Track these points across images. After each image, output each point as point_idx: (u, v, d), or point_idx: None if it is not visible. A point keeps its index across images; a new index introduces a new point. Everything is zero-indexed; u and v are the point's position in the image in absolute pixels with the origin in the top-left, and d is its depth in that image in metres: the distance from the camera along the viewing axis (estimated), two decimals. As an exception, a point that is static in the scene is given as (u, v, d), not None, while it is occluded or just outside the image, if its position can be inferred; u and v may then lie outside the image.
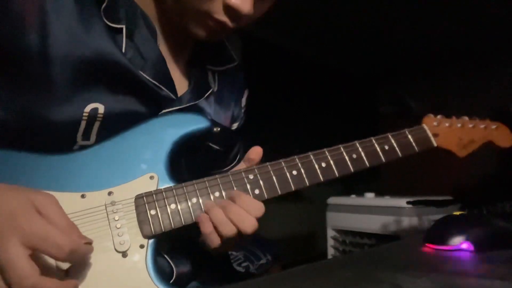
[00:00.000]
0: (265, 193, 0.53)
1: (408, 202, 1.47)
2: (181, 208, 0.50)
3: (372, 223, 1.57)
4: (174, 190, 0.51)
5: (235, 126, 0.73)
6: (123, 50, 0.52)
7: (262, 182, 0.53)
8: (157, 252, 0.50)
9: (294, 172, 0.55)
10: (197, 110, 0.62)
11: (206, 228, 0.49)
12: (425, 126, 0.66)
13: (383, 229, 1.52)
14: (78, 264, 0.44)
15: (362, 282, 0.43)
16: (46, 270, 0.40)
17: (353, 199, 1.73)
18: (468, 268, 0.50)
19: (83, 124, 0.50)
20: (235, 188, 0.52)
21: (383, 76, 3.47)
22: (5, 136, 0.48)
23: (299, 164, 0.55)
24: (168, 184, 0.52)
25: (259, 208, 0.50)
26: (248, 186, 0.53)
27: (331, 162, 0.57)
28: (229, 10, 0.52)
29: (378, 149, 0.60)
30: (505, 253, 0.54)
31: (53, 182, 0.48)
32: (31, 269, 0.38)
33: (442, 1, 2.14)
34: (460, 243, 0.57)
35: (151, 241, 0.49)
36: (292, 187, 0.54)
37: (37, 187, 0.45)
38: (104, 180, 0.50)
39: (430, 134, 0.66)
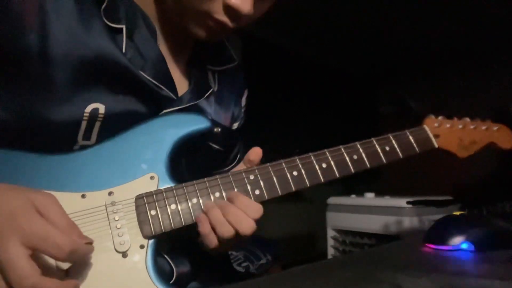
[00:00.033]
0: (265, 194, 0.53)
1: (408, 202, 1.47)
2: (181, 209, 0.50)
3: (372, 223, 1.57)
4: (174, 191, 0.51)
5: (235, 126, 0.73)
6: (123, 50, 0.52)
7: (263, 183, 0.53)
8: (157, 253, 0.50)
9: (295, 173, 0.55)
10: (198, 110, 0.62)
11: (204, 228, 0.49)
12: (426, 127, 0.66)
13: (383, 229, 1.52)
14: (78, 264, 0.44)
15: (362, 282, 0.43)
16: (46, 270, 0.40)
17: (353, 199, 1.73)
18: (468, 268, 0.50)
19: (83, 124, 0.50)
20: (235, 189, 0.52)
21: (383, 76, 3.47)
22: (6, 136, 0.48)
23: (300, 165, 0.55)
24: (168, 184, 0.52)
25: (258, 210, 0.50)
26: (249, 187, 0.53)
27: (332, 163, 0.56)
28: (229, 10, 0.52)
29: (379, 150, 0.60)
30: (505, 253, 0.54)
31: (53, 182, 0.48)
32: (31, 269, 0.38)
33: (442, 1, 2.14)
34: (460, 243, 0.57)
35: (151, 241, 0.49)
36: (293, 187, 0.54)
37: (37, 187, 0.45)
38: (105, 180, 0.50)
39: (431, 135, 0.65)
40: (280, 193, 0.54)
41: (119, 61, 0.51)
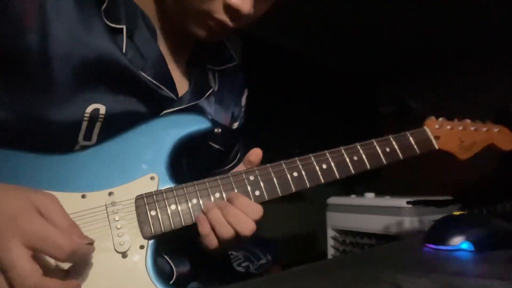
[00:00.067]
0: (265, 195, 0.53)
1: (408, 202, 1.47)
2: (181, 209, 0.50)
3: (372, 223, 1.57)
4: (174, 191, 0.51)
5: (235, 125, 0.73)
6: (124, 51, 0.52)
7: (263, 184, 0.53)
8: (157, 253, 0.50)
9: (295, 174, 0.55)
10: (198, 110, 0.62)
11: (204, 229, 0.49)
12: (426, 128, 0.66)
13: (383, 229, 1.52)
14: (79, 264, 0.44)
15: (362, 282, 0.43)
16: (47, 270, 0.40)
17: (353, 199, 1.73)
18: (468, 268, 0.50)
19: (84, 125, 0.50)
20: (235, 189, 0.52)
21: (383, 76, 3.48)
22: (6, 136, 0.48)
23: (300, 166, 0.55)
24: (168, 184, 0.52)
25: (258, 211, 0.50)
26: (249, 188, 0.53)
27: (332, 164, 0.56)
28: (229, 9, 0.52)
29: (379, 151, 0.60)
30: (505, 253, 0.54)
31: (53, 182, 0.48)
32: (32, 270, 0.38)
33: (442, 1, 2.14)
34: (460, 243, 0.57)
35: (151, 241, 0.49)
36: (293, 188, 0.54)
37: (37, 187, 0.45)
38: (105, 180, 0.50)
39: (431, 137, 0.65)
40: (280, 194, 0.54)
41: (119, 62, 0.51)
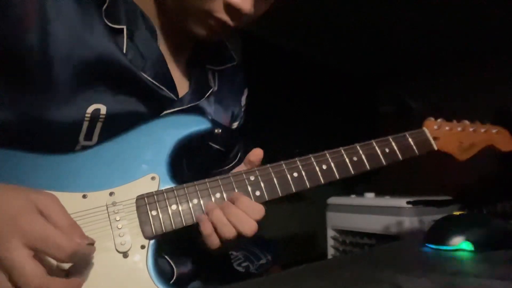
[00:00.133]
0: (266, 195, 0.53)
1: (408, 202, 1.47)
2: (182, 209, 0.50)
3: (372, 223, 1.57)
4: (175, 191, 0.51)
5: (235, 125, 0.73)
6: (124, 51, 0.53)
7: (263, 184, 0.53)
8: (158, 253, 0.50)
9: (295, 174, 0.55)
10: (198, 110, 0.62)
11: (206, 229, 0.49)
12: (425, 129, 0.66)
13: (383, 229, 1.52)
14: (80, 264, 0.44)
15: (362, 282, 0.43)
16: (48, 270, 0.40)
17: (353, 199, 1.73)
18: (468, 268, 0.50)
19: (85, 125, 0.50)
20: (236, 190, 0.52)
21: (383, 76, 3.48)
22: (6, 136, 0.48)
23: (300, 166, 0.55)
24: (169, 184, 0.52)
25: (259, 211, 0.50)
26: (249, 188, 0.53)
27: (332, 164, 0.57)
28: (230, 9, 0.53)
29: (378, 151, 0.60)
30: (505, 253, 0.54)
31: (54, 182, 0.48)
32: (37, 270, 0.38)
33: (442, 1, 2.14)
34: (460, 243, 0.57)
35: (152, 241, 0.49)
36: (293, 188, 0.54)
37: (38, 187, 0.45)
38: (106, 180, 0.50)
39: (430, 137, 0.66)
40: (280, 194, 0.54)
41: (120, 62, 0.51)
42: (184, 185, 0.52)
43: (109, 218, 0.48)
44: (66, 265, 0.43)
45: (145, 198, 0.50)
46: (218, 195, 0.52)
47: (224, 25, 0.55)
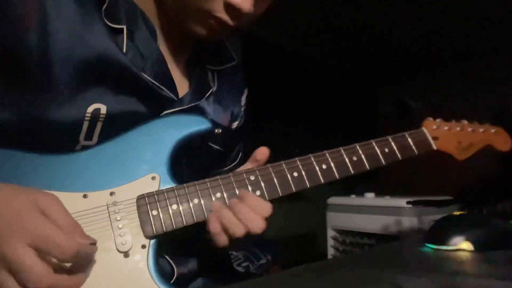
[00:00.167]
0: (266, 195, 0.53)
1: (408, 202, 1.47)
2: (182, 209, 0.50)
3: (372, 223, 1.57)
4: (175, 191, 0.51)
5: (235, 125, 0.73)
6: (124, 51, 0.53)
7: (263, 184, 0.54)
8: (158, 252, 0.50)
9: (295, 174, 0.55)
10: (198, 110, 0.62)
11: (215, 228, 0.49)
12: (424, 129, 0.67)
13: (383, 229, 1.52)
14: (81, 264, 0.44)
15: (362, 282, 0.43)
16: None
17: (353, 199, 1.73)
18: (468, 268, 0.50)
19: (85, 124, 0.50)
20: (236, 189, 0.52)
21: (383, 76, 3.48)
22: (7, 136, 0.48)
23: (300, 166, 0.55)
24: (169, 184, 0.52)
25: (267, 209, 0.50)
26: (250, 188, 0.53)
27: (332, 164, 0.57)
28: (230, 8, 0.53)
29: (378, 151, 0.60)
30: (505, 253, 0.54)
31: (54, 182, 0.48)
32: (44, 269, 0.38)
33: (442, 1, 2.14)
34: (460, 243, 0.57)
35: (152, 241, 0.49)
36: (293, 188, 0.54)
37: (38, 187, 0.45)
38: (106, 180, 0.50)
39: (429, 137, 0.66)
40: (280, 194, 0.54)
41: (120, 62, 0.51)
42: (185, 184, 0.52)
43: (109, 218, 0.48)
44: (67, 264, 0.43)
45: (146, 198, 0.50)
46: (218, 194, 0.52)
47: (224, 24, 0.55)
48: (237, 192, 0.52)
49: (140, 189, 0.51)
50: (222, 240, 0.50)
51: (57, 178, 0.49)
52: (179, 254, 0.60)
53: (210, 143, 0.65)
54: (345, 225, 1.72)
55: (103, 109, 0.51)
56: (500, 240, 0.58)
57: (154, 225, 0.49)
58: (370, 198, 1.70)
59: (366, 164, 0.59)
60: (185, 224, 0.50)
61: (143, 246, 0.48)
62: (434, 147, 0.66)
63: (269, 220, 0.51)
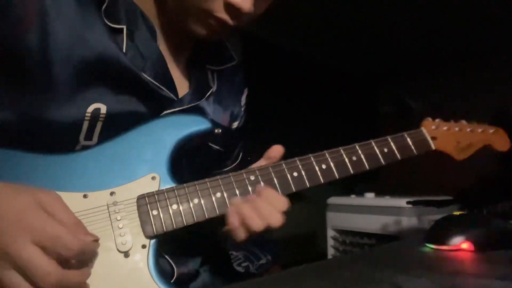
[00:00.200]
0: (266, 194, 0.53)
1: (408, 202, 1.47)
2: (182, 209, 0.50)
3: (372, 223, 1.57)
4: (176, 191, 0.51)
5: (235, 124, 0.73)
6: (124, 51, 0.53)
7: (263, 184, 0.54)
8: (159, 252, 0.50)
9: (295, 174, 0.55)
10: (198, 110, 0.62)
11: (234, 222, 0.50)
12: (423, 129, 0.67)
13: (383, 229, 1.52)
14: (83, 262, 0.44)
15: (362, 282, 0.43)
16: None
17: (353, 199, 1.74)
18: (468, 268, 0.50)
19: (85, 124, 0.50)
20: (236, 189, 0.53)
21: (383, 76, 3.48)
22: (7, 136, 0.48)
23: (300, 166, 0.56)
24: (169, 184, 0.52)
25: (284, 203, 0.51)
26: (250, 188, 0.53)
27: (331, 164, 0.57)
28: (230, 8, 0.53)
29: (377, 151, 0.61)
30: (505, 253, 0.54)
31: (54, 182, 0.48)
32: (52, 265, 0.38)
33: (442, 1, 2.14)
34: (460, 243, 0.57)
35: (152, 241, 0.49)
36: (293, 188, 0.55)
37: (38, 187, 0.45)
38: (106, 180, 0.50)
39: (428, 137, 0.66)
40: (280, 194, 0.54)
41: (120, 62, 0.51)
42: (185, 184, 0.52)
43: (110, 217, 0.48)
44: (72, 261, 0.43)
45: (146, 198, 0.50)
46: (218, 194, 0.52)
47: (224, 24, 0.55)
48: (237, 192, 0.53)
49: (140, 189, 0.51)
50: (240, 234, 0.50)
51: (57, 178, 0.49)
52: (179, 254, 0.60)
53: (210, 143, 0.65)
54: (345, 225, 1.72)
55: (103, 109, 0.51)
56: (500, 240, 0.58)
57: (155, 225, 0.49)
58: (370, 198, 1.70)
59: (366, 164, 0.59)
60: (185, 224, 0.50)
61: (143, 246, 0.48)
62: (433, 147, 0.66)
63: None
